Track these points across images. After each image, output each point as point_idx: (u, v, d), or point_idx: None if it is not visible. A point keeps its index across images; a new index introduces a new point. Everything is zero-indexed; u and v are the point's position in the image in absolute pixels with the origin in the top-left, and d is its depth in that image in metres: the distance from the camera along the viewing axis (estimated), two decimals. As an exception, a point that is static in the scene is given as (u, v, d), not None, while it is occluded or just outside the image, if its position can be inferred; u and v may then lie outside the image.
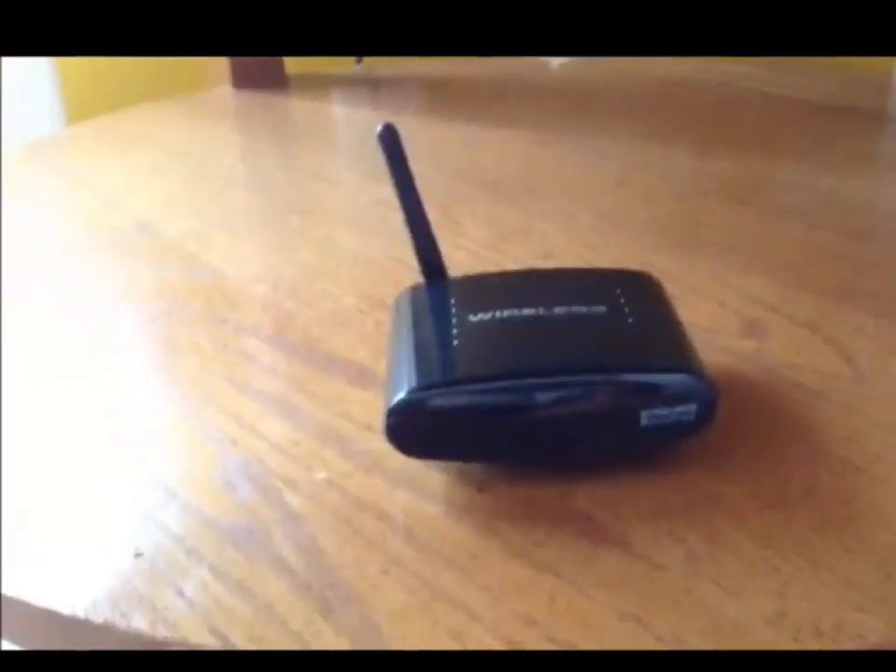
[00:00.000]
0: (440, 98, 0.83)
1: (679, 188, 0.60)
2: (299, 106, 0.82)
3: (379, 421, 0.34)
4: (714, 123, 0.72)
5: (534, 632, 0.29)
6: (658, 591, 0.30)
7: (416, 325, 0.38)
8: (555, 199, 0.60)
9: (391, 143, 0.38)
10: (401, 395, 0.34)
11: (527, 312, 0.36)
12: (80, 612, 0.31)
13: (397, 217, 0.39)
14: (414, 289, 0.40)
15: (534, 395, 0.34)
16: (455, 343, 0.35)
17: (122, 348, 0.46)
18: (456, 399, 0.34)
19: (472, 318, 0.36)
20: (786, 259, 0.51)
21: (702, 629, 0.28)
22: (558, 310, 0.36)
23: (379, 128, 0.38)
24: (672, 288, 0.40)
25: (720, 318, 0.45)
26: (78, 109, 0.96)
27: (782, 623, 0.29)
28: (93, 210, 0.62)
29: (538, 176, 0.63)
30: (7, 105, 0.91)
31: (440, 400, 0.34)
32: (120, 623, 0.30)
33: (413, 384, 0.34)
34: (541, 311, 0.36)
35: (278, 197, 0.63)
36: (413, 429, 0.34)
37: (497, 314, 0.36)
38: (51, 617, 0.31)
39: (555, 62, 0.88)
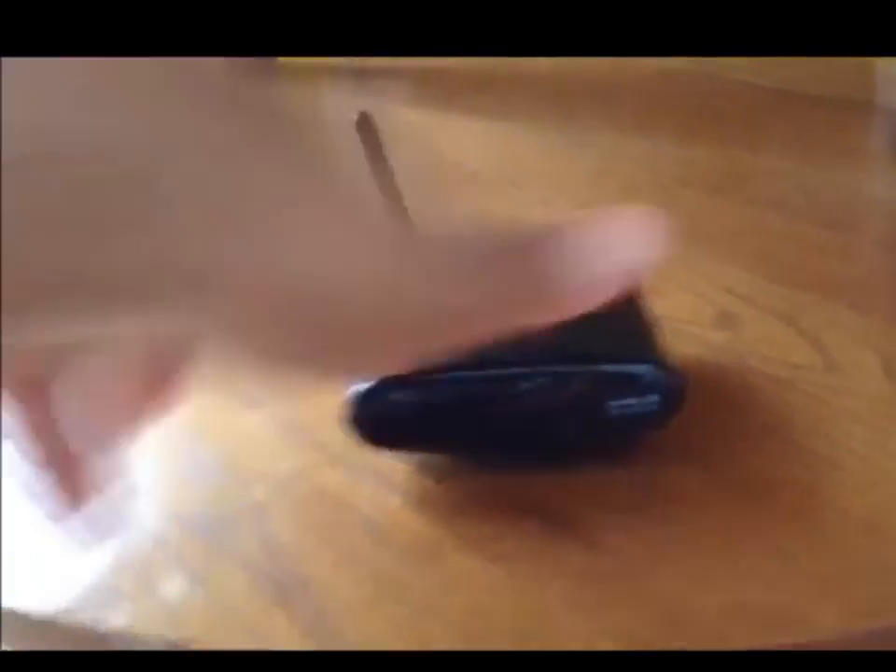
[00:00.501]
0: (427, 87, 0.82)
1: (659, 178, 0.60)
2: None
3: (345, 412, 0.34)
4: (697, 114, 0.72)
5: (486, 624, 0.29)
6: (616, 583, 0.30)
7: None
8: (536, 189, 0.59)
9: (367, 130, 0.38)
10: (363, 386, 0.33)
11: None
12: (34, 605, 0.31)
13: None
14: None
15: (500, 386, 0.34)
16: None
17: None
18: (418, 389, 0.34)
19: None
20: (763, 249, 0.51)
21: (658, 621, 0.28)
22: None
23: (355, 116, 0.38)
24: (646, 278, 0.40)
25: (693, 309, 0.45)
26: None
27: (740, 614, 0.28)
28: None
29: (518, 166, 0.63)
30: None
31: (402, 391, 0.34)
32: (74, 617, 0.30)
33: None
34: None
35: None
36: (374, 420, 0.34)
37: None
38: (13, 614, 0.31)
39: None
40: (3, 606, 0.31)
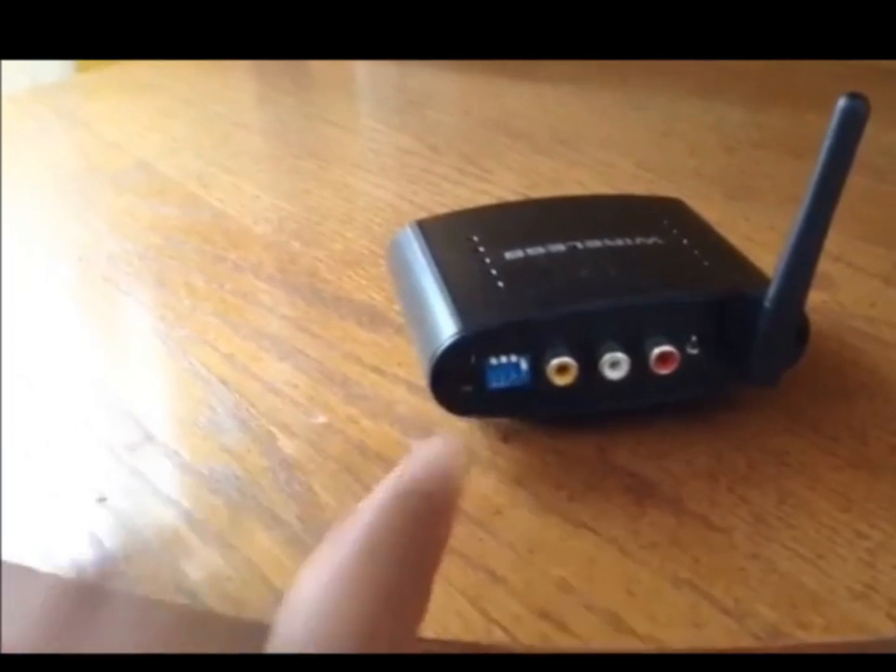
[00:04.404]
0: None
1: (728, 140, 0.55)
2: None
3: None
4: (765, 82, 0.66)
5: (569, 598, 0.24)
6: (719, 556, 0.25)
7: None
8: (592, 149, 0.54)
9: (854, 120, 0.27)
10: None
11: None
12: (38, 563, 0.26)
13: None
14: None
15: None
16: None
17: (106, 281, 0.42)
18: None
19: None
20: (850, 210, 0.45)
21: (774, 602, 0.23)
22: (609, 242, 0.32)
23: (843, 99, 0.27)
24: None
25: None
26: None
27: (872, 596, 0.23)
28: (94, 150, 0.58)
29: (572, 128, 0.58)
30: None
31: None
32: (75, 573, 0.26)
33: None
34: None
35: (292, 142, 0.58)
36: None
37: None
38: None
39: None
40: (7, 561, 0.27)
